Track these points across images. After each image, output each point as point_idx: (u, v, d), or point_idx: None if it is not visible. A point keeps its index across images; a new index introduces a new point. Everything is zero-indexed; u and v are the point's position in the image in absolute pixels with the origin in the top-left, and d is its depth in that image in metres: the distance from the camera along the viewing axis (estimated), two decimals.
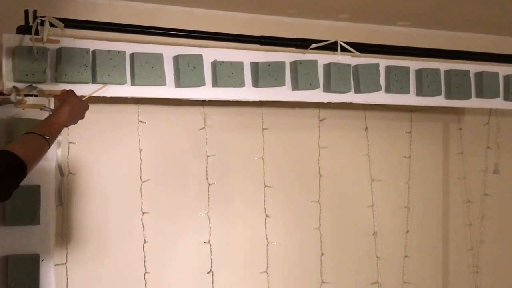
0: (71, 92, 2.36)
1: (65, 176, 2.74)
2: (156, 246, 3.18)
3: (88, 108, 2.38)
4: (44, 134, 2.13)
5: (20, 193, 2.31)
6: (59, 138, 2.45)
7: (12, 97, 2.37)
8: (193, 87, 2.71)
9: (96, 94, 2.55)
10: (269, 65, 2.84)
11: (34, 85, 2.41)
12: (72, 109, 2.27)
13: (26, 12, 2.43)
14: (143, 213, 3.15)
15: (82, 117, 2.37)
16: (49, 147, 2.16)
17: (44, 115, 2.42)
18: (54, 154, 2.48)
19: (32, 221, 2.42)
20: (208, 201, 3.30)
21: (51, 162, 2.47)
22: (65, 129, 2.84)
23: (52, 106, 2.45)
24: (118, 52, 2.56)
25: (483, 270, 4.04)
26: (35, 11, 2.42)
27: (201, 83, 2.72)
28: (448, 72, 3.22)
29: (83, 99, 2.40)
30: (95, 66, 2.52)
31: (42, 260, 2.44)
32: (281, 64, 2.88)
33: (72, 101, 2.29)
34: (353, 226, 3.69)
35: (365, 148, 3.68)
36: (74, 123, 2.35)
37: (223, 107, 3.26)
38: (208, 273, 3.29)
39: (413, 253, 3.82)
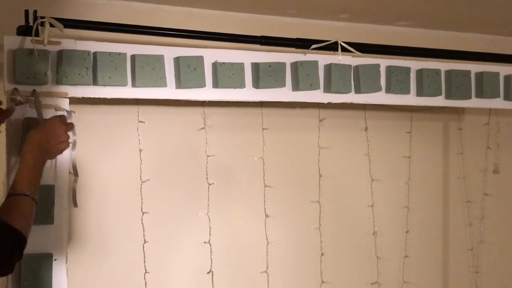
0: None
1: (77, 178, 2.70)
2: (156, 246, 3.18)
3: (61, 133, 2.23)
4: (23, 191, 2.10)
5: None
6: (74, 138, 2.44)
7: (22, 99, 2.37)
8: (193, 88, 2.71)
9: (97, 96, 2.55)
10: (269, 66, 2.84)
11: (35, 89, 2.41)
12: (37, 144, 2.17)
13: (26, 12, 2.42)
14: (143, 213, 3.15)
15: (61, 146, 2.24)
16: (35, 200, 2.13)
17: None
18: (69, 154, 2.48)
19: (46, 220, 2.41)
20: (208, 201, 3.30)
21: (66, 162, 2.46)
22: None
23: (67, 107, 2.45)
24: (119, 54, 2.55)
25: (483, 270, 4.05)
26: (35, 11, 2.41)
27: (201, 84, 2.71)
28: (448, 72, 3.22)
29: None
30: (96, 68, 2.51)
31: (55, 259, 2.44)
32: (282, 65, 2.88)
33: (32, 136, 2.19)
34: (353, 226, 3.69)
35: (365, 148, 3.68)
36: (53, 157, 2.28)
37: (223, 107, 3.26)
38: (208, 273, 3.29)
39: (413, 253, 3.82)
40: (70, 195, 2.50)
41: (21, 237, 2.05)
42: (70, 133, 2.37)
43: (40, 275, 2.40)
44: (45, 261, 2.41)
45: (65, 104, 2.45)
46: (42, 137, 2.20)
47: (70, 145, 2.40)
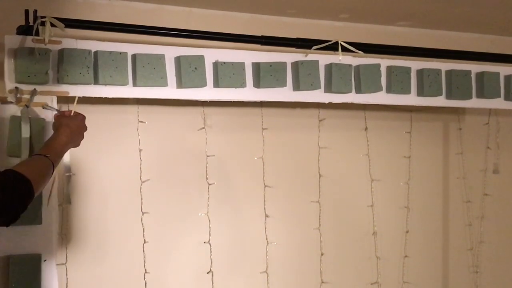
0: (62, 115, 2.41)
1: (70, 174, 2.71)
2: (156, 246, 3.18)
3: (86, 128, 2.45)
4: (45, 153, 2.18)
5: None
6: None
7: (11, 98, 2.37)
8: (194, 88, 2.71)
9: (98, 95, 2.55)
10: (270, 65, 2.84)
11: (36, 88, 2.41)
12: (71, 130, 2.33)
13: (27, 12, 2.43)
14: (143, 213, 3.15)
15: (82, 137, 2.43)
16: (54, 167, 2.19)
17: (46, 113, 2.45)
18: None
19: (34, 220, 2.41)
20: (208, 201, 3.30)
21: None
22: None
23: (55, 106, 2.46)
24: (120, 53, 2.56)
25: (483, 270, 4.05)
26: (35, 11, 2.41)
27: (202, 84, 2.72)
28: (449, 72, 3.23)
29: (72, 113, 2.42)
30: (97, 67, 2.51)
31: (45, 260, 2.43)
32: (283, 65, 2.88)
33: (68, 123, 2.34)
34: (353, 226, 3.69)
35: (365, 148, 3.68)
36: (76, 146, 2.41)
37: (223, 107, 3.26)
38: (208, 273, 3.29)
39: (413, 253, 3.82)
40: (65, 193, 2.51)
41: (29, 186, 2.02)
42: None
43: (29, 276, 2.39)
44: (33, 262, 2.42)
45: (53, 102, 2.49)
46: (75, 127, 2.37)
47: None
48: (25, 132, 2.38)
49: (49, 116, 2.46)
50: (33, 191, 2.04)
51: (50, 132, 2.41)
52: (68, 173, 2.55)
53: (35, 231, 2.43)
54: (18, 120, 2.38)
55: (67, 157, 2.49)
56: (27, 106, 2.39)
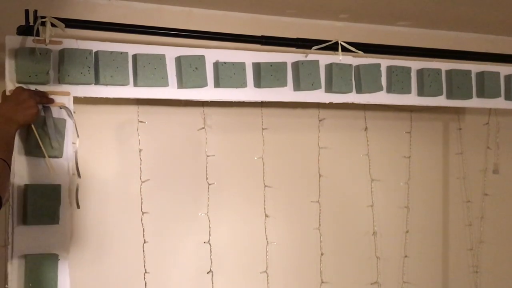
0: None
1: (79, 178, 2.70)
2: (156, 246, 3.18)
3: (26, 100, 2.28)
4: None
5: (42, 193, 2.36)
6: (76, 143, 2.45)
7: None
8: (195, 88, 2.71)
9: (99, 95, 2.55)
10: (271, 65, 2.84)
11: (37, 88, 2.41)
12: (1, 117, 2.22)
13: (27, 12, 2.42)
14: (143, 213, 3.14)
15: (30, 111, 2.29)
16: (6, 162, 2.14)
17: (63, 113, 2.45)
18: (73, 154, 2.49)
19: (52, 220, 2.41)
20: (208, 201, 3.30)
21: (71, 162, 2.48)
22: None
23: (72, 106, 2.46)
24: (121, 53, 2.55)
25: (483, 270, 4.05)
26: (35, 11, 2.41)
27: (203, 84, 2.71)
28: (449, 72, 3.22)
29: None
30: (98, 67, 2.51)
31: (59, 259, 2.43)
32: (283, 65, 2.88)
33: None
34: (353, 226, 3.69)
35: (365, 148, 3.68)
36: (27, 123, 2.30)
37: (223, 107, 3.26)
38: (208, 273, 3.29)
39: (413, 253, 3.82)
40: (73, 196, 2.51)
41: None
42: (71, 132, 2.43)
43: (46, 276, 2.39)
44: (50, 261, 2.41)
45: (69, 102, 2.48)
46: (4, 107, 2.25)
47: (73, 145, 2.41)
48: (52, 133, 2.39)
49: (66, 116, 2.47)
50: (2, 202, 2.05)
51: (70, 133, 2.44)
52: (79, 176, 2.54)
53: (53, 231, 2.43)
54: (41, 120, 2.38)
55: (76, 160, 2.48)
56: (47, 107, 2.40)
